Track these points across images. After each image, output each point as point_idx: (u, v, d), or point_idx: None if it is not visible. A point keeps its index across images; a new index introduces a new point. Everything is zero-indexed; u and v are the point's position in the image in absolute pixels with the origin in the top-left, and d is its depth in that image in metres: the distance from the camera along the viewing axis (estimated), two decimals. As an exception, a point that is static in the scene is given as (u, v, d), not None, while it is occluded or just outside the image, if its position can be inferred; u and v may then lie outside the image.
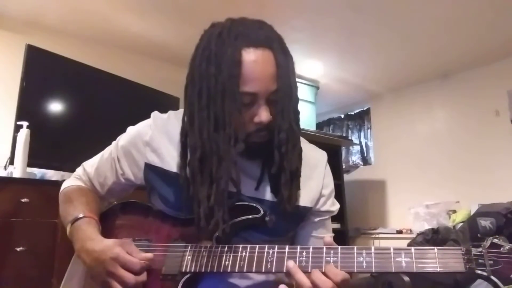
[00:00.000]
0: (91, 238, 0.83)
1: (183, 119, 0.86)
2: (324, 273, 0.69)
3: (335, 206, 0.97)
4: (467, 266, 0.64)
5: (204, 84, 0.79)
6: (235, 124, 0.77)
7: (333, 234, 1.00)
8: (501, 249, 0.63)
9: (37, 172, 2.39)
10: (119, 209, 0.98)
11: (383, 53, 3.45)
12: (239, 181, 0.79)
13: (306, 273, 0.71)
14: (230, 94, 0.76)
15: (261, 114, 0.79)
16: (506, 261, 0.62)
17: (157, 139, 0.92)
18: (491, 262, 0.63)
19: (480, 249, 0.65)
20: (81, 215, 0.88)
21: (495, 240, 0.64)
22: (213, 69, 0.77)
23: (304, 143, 0.91)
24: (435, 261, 0.66)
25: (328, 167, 0.98)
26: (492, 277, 0.62)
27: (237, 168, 0.79)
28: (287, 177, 0.82)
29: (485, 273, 0.63)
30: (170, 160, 0.90)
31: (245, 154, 0.82)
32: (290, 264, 0.72)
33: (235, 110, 0.77)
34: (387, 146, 4.34)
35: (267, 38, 0.81)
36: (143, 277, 0.80)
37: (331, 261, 0.71)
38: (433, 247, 0.67)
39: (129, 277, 0.77)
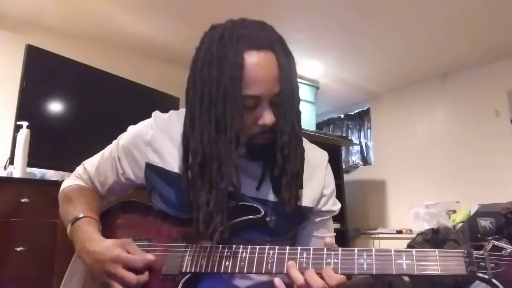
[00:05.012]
0: (91, 239, 0.83)
1: (185, 123, 0.86)
2: (320, 274, 0.70)
3: (336, 206, 0.97)
4: (468, 269, 0.64)
5: (206, 88, 0.78)
6: (237, 128, 0.77)
7: (335, 234, 1.01)
8: (503, 251, 0.63)
9: (37, 172, 2.39)
10: (119, 208, 0.98)
11: (383, 53, 3.45)
12: (240, 185, 0.79)
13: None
14: (232, 98, 0.76)
15: (265, 116, 0.79)
16: (507, 264, 0.62)
17: (158, 139, 0.92)
18: (493, 265, 0.63)
19: (481, 252, 0.65)
20: (81, 215, 0.88)
21: (497, 243, 0.64)
22: (215, 72, 0.77)
23: (305, 143, 0.91)
24: (436, 263, 0.66)
25: (329, 167, 0.98)
26: (494, 280, 0.62)
27: (238, 172, 0.78)
28: (288, 179, 0.82)
29: (486, 276, 0.62)
30: (171, 160, 0.90)
31: (247, 156, 0.82)
32: (290, 262, 0.73)
33: (237, 114, 0.76)
34: (387, 146, 4.34)
35: (269, 40, 0.80)
36: (145, 277, 0.79)
37: (332, 262, 0.71)
38: (434, 250, 0.66)
39: (131, 277, 0.78)
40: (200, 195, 0.78)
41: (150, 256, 0.81)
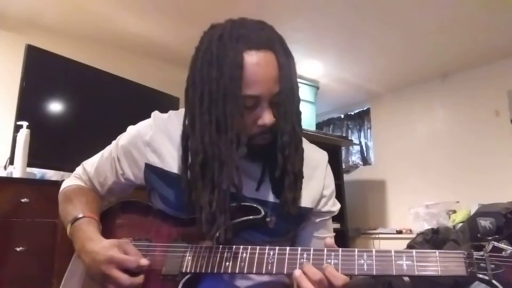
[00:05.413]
0: (90, 238, 0.83)
1: (184, 123, 0.85)
2: (324, 274, 0.69)
3: (336, 206, 0.97)
4: (468, 270, 0.64)
5: (206, 88, 0.78)
6: (237, 128, 0.76)
7: (334, 234, 1.00)
8: (503, 253, 0.63)
9: (37, 172, 2.39)
10: (119, 208, 0.97)
11: (383, 53, 3.45)
12: (241, 186, 0.79)
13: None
14: (232, 98, 0.75)
15: (265, 116, 0.78)
16: (507, 265, 0.62)
17: (157, 139, 0.92)
18: (493, 266, 0.63)
19: (481, 253, 0.65)
20: (81, 215, 0.88)
21: (497, 244, 0.64)
22: (215, 72, 0.76)
23: (305, 144, 0.91)
24: (437, 264, 0.66)
25: (329, 167, 0.98)
26: (494, 281, 0.62)
27: (239, 172, 0.78)
28: (291, 179, 0.82)
29: (486, 277, 0.62)
30: (170, 161, 0.90)
31: (247, 156, 0.81)
32: (297, 273, 0.71)
33: (237, 114, 0.76)
34: (387, 146, 4.34)
35: (269, 39, 0.80)
36: (139, 279, 0.79)
37: (332, 263, 0.71)
38: (434, 250, 0.66)
39: (124, 278, 0.77)
40: (202, 195, 0.78)
41: (145, 261, 0.80)
